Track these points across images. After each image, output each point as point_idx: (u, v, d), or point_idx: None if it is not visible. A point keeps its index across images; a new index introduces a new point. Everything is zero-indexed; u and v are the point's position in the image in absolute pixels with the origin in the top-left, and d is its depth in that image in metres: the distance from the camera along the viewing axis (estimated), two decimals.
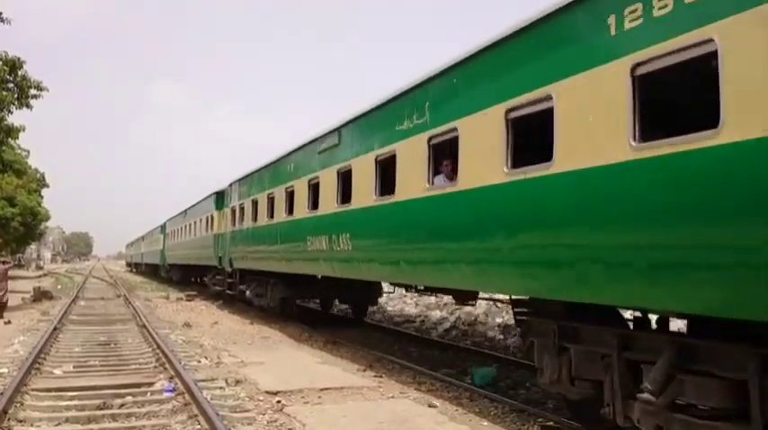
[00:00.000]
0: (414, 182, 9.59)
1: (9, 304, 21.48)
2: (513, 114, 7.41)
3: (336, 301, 21.11)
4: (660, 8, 5.40)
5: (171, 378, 9.94)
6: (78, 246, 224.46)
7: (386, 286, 18.93)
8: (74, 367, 11.21)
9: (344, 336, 15.41)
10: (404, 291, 18.86)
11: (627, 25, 5.73)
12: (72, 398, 8.73)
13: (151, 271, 57.66)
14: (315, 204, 13.99)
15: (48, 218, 69.09)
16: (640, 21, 5.59)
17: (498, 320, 17.02)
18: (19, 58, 22.41)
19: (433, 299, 18.99)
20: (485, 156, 7.85)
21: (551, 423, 7.85)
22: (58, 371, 10.79)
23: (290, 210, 15.80)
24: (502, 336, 15.42)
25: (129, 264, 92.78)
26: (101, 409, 8.24)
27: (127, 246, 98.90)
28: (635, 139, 5.63)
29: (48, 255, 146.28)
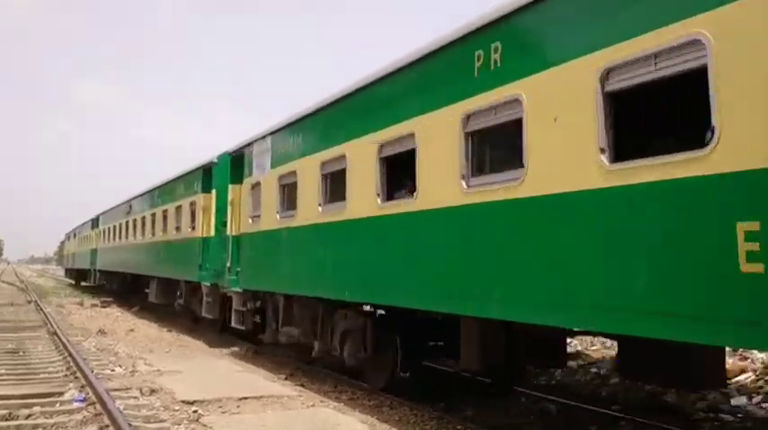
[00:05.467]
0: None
1: None
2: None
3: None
4: None
5: (82, 387, 9.58)
6: None
7: None
8: None
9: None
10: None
11: None
12: None
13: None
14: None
15: None
16: None
17: None
18: None
19: None
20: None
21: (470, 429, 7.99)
22: None
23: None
24: None
25: (69, 271, 58.05)
26: (6, 420, 7.86)
27: (67, 237, 59.44)
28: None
29: None
